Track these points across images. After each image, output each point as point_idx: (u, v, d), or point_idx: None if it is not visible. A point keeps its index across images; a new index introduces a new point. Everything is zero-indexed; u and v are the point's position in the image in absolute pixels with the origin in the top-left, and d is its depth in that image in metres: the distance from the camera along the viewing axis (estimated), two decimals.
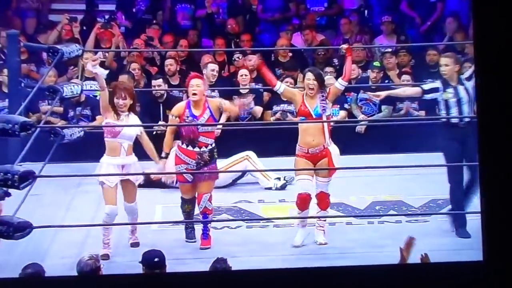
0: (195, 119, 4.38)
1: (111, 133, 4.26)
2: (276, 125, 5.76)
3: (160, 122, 5.54)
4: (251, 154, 5.44)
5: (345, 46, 4.58)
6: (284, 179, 5.34)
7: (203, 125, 4.38)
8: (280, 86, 4.46)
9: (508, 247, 2.51)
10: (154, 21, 6.59)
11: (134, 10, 6.73)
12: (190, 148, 4.40)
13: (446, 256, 3.81)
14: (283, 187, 5.31)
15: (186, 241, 4.44)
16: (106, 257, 4.25)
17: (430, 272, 2.88)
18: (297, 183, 4.45)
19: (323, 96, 4.38)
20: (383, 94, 4.80)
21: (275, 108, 6.04)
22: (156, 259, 3.28)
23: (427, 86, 4.62)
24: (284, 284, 2.60)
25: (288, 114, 5.83)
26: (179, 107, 4.47)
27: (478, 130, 2.56)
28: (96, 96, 5.99)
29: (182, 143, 4.43)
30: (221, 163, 5.08)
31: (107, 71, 4.35)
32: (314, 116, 4.36)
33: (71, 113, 5.75)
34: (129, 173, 4.30)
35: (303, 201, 4.39)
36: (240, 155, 5.46)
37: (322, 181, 4.41)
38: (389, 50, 6.30)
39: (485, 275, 2.59)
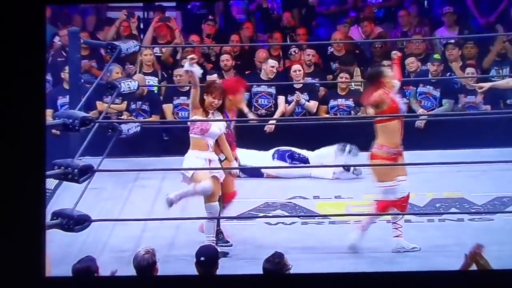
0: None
1: (200, 131, 4.25)
2: (331, 120, 5.66)
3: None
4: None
5: (398, 54, 4.53)
6: (353, 173, 5.22)
7: (252, 119, 4.34)
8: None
9: None
10: (210, 17, 6.58)
11: (189, 6, 6.72)
12: None
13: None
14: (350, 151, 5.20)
15: (221, 246, 4.25)
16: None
17: (493, 279, 2.73)
18: (398, 188, 4.19)
19: None
20: (486, 85, 4.72)
21: (332, 102, 5.93)
22: (202, 258, 3.23)
23: None
24: None
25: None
26: None
27: None
28: (154, 91, 6.04)
29: None
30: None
31: (201, 70, 4.37)
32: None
33: (133, 106, 5.82)
34: (159, 169, 4.31)
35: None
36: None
37: (405, 179, 4.22)
38: (452, 41, 6.06)
39: None
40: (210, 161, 4.28)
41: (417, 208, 4.79)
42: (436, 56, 5.97)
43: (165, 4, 6.73)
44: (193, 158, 4.24)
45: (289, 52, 6.23)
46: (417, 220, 4.61)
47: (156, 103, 5.88)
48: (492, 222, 4.54)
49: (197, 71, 4.24)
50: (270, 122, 5.74)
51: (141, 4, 6.80)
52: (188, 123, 4.33)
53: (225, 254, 4.17)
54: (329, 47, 6.39)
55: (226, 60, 6.04)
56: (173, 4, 6.79)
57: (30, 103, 2.48)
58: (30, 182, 2.40)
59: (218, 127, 4.28)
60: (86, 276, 3.12)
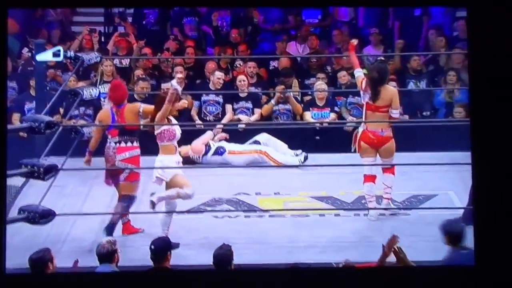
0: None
1: (169, 137, 4.49)
2: (274, 125, 5.94)
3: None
4: (268, 149, 5.68)
5: (352, 41, 5.04)
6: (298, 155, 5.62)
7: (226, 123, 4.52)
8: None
9: (500, 253, 2.40)
10: (178, 37, 6.71)
11: (144, 22, 6.84)
12: None
13: (427, 248, 3.88)
14: (306, 159, 5.61)
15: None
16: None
17: (419, 274, 2.83)
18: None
19: None
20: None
21: (274, 108, 6.14)
22: (152, 247, 3.40)
23: None
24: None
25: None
26: (104, 114, 4.74)
27: (470, 133, 2.51)
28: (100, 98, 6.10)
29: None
30: (235, 147, 5.62)
31: (181, 88, 4.61)
32: None
33: (75, 112, 5.87)
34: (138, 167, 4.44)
35: None
36: (254, 147, 5.68)
37: None
38: (382, 58, 6.42)
39: (477, 280, 2.50)
40: (178, 162, 4.53)
41: (346, 204, 5.06)
42: (364, 71, 6.29)
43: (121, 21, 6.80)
44: (167, 161, 4.47)
45: (235, 65, 6.44)
46: (345, 214, 4.89)
47: (99, 108, 5.95)
48: (408, 216, 4.85)
49: (179, 89, 4.51)
50: (218, 126, 5.96)
51: (102, 20, 6.86)
52: (156, 133, 4.52)
53: (177, 245, 4.32)
54: (271, 62, 6.62)
55: (180, 72, 6.18)
56: (129, 20, 6.88)
57: None
58: None
59: (179, 130, 4.56)
60: (41, 265, 3.22)
